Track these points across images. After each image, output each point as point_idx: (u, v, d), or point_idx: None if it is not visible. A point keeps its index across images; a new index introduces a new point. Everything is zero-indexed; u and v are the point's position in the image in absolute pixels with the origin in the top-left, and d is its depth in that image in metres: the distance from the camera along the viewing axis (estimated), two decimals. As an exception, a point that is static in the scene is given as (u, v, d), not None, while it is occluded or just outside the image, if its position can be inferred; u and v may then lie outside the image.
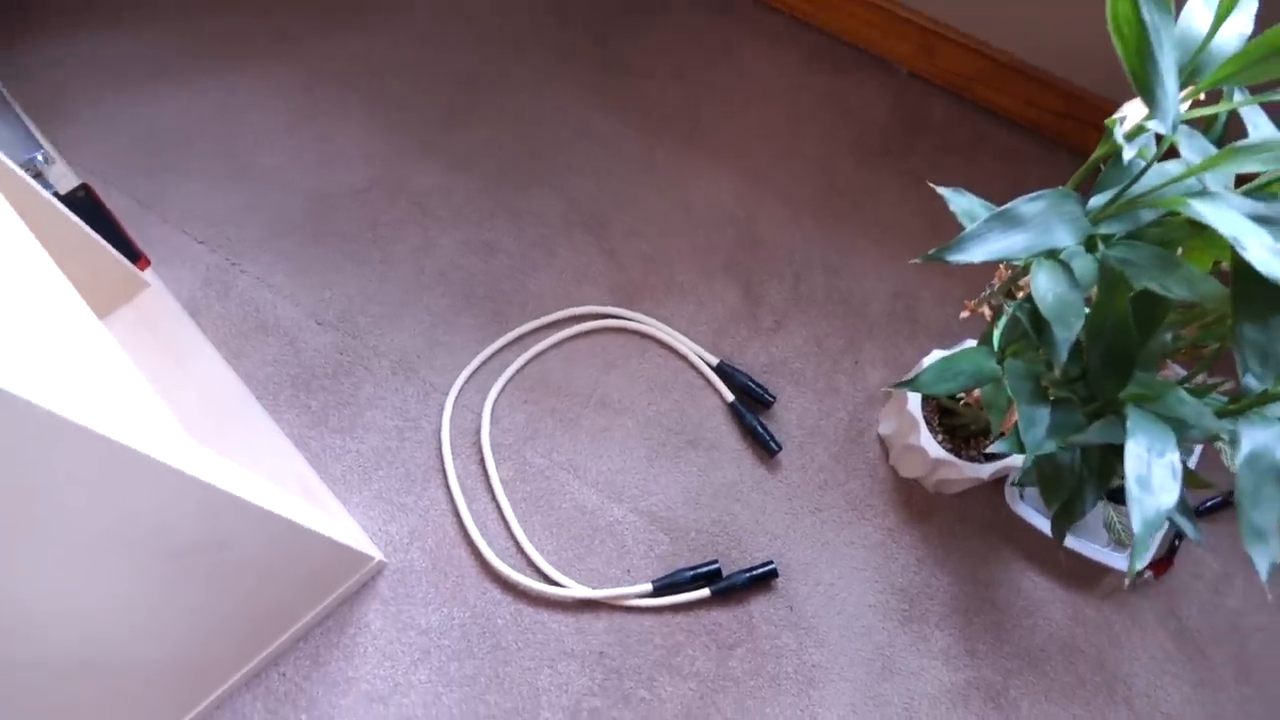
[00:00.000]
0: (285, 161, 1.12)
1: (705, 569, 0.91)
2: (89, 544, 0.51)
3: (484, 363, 1.01)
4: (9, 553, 0.47)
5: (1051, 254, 0.55)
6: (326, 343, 1.02)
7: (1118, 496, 0.89)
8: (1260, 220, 0.45)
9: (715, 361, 1.01)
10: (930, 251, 0.50)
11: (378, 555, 0.91)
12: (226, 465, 0.57)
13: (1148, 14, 0.42)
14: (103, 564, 0.53)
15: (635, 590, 0.90)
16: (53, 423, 0.41)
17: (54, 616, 0.55)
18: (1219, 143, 0.56)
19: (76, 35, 1.20)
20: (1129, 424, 0.51)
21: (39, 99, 1.15)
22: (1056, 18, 1.02)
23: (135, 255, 1.02)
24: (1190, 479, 0.59)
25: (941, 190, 0.63)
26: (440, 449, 0.97)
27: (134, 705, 0.73)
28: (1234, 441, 0.50)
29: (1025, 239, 0.52)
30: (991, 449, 0.59)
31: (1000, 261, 0.62)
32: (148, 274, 1.03)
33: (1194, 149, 0.49)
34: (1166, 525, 0.89)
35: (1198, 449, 0.87)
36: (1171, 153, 0.53)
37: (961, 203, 0.62)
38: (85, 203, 1.04)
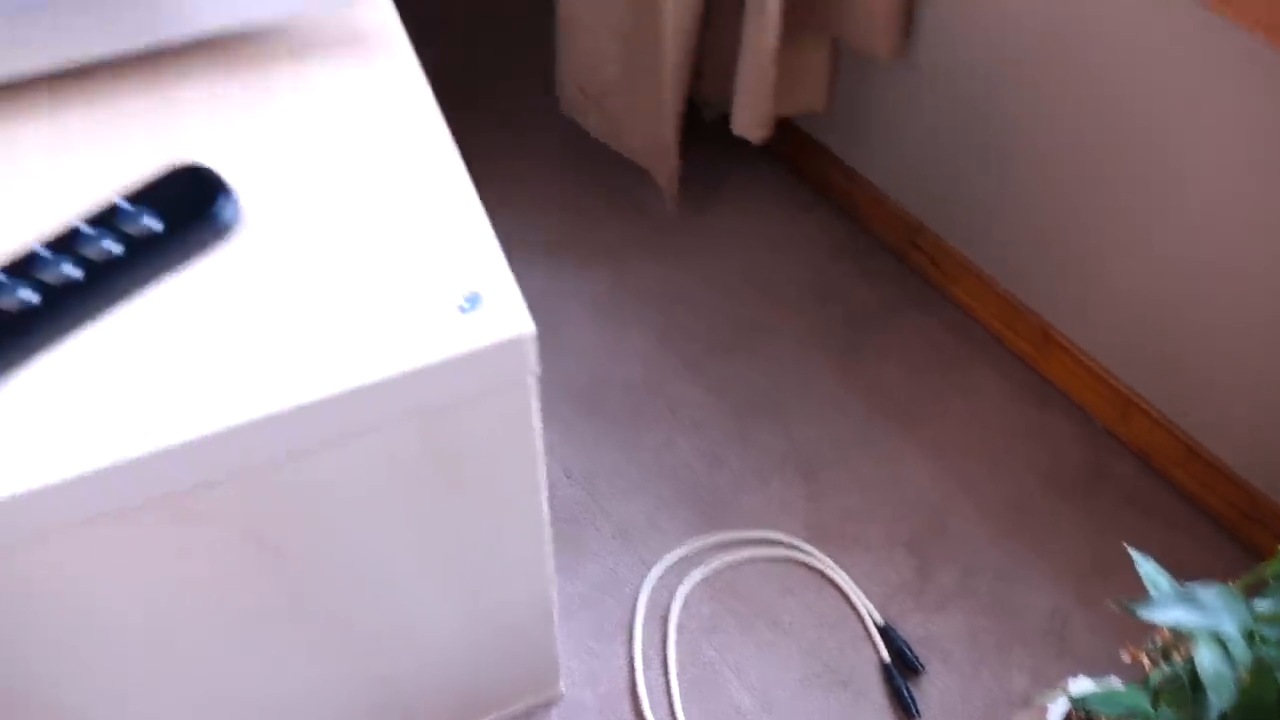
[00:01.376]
0: (584, 344, 1.40)
1: (829, 800, 1.02)
2: (457, 570, 0.71)
3: (689, 554, 1.20)
4: (418, 571, 0.68)
5: (1217, 635, 0.69)
6: (569, 494, 1.25)
7: None
8: (1394, 668, 0.59)
9: (882, 623, 1.15)
10: (1126, 602, 0.66)
11: (560, 685, 1.08)
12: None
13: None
14: (446, 587, 0.73)
15: (764, 796, 1.02)
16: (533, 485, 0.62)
17: (397, 621, 0.75)
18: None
19: (496, 207, 1.57)
20: (1258, 793, 0.63)
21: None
22: (1249, 424, 1.17)
23: (456, 381, 1.30)
24: None
25: (1133, 552, 0.79)
26: (634, 614, 1.15)
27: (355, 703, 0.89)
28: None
29: (1199, 618, 0.67)
30: (1135, 774, 0.71)
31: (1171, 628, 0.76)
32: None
33: (1350, 596, 0.64)
34: None
35: None
36: (1332, 590, 0.68)
37: (1147, 568, 0.78)
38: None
